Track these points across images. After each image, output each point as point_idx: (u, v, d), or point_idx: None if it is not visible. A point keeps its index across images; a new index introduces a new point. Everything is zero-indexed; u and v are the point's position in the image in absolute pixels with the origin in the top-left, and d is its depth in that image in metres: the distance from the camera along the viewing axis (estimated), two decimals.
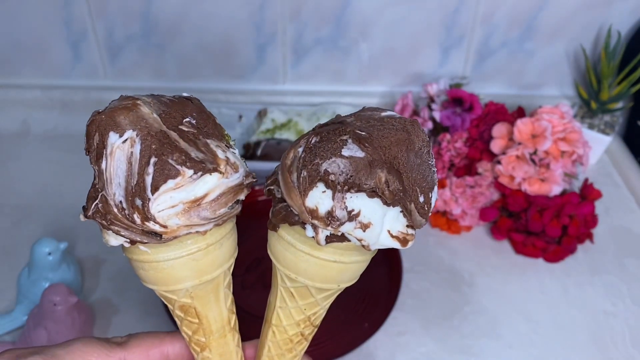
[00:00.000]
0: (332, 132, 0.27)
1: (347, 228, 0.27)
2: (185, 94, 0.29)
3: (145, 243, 0.27)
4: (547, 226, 0.69)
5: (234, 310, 0.33)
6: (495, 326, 0.64)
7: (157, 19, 0.87)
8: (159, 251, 0.28)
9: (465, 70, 0.91)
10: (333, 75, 0.93)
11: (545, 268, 0.71)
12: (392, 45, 0.89)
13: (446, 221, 0.75)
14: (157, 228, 0.26)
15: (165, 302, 0.32)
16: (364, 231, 0.27)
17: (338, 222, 0.26)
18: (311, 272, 0.29)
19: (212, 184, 0.26)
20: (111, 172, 0.26)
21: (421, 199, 0.28)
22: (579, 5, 0.85)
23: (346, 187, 0.26)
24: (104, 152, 0.26)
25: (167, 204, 0.26)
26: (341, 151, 0.26)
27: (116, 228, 0.26)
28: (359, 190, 0.26)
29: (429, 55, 0.90)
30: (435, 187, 0.29)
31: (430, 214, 0.29)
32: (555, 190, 0.69)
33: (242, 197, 0.29)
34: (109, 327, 0.63)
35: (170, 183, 0.25)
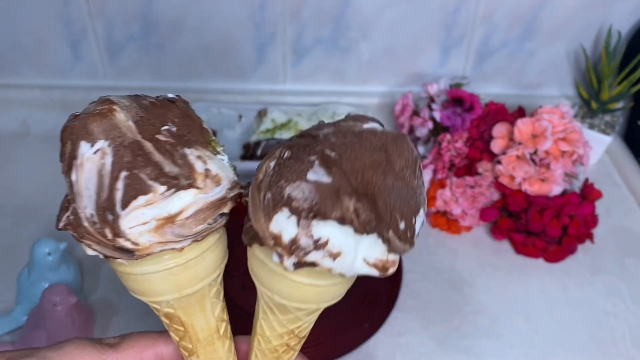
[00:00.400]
0: (302, 149, 0.25)
1: (314, 257, 0.24)
2: (170, 95, 0.28)
3: (118, 258, 0.26)
4: (547, 226, 0.69)
5: (225, 317, 0.32)
6: (496, 326, 0.64)
7: (157, 19, 0.87)
8: (135, 264, 0.27)
9: (465, 70, 0.91)
10: (333, 75, 0.93)
11: (545, 268, 0.71)
12: (392, 45, 0.89)
13: (446, 221, 0.75)
14: (128, 245, 0.25)
15: (151, 306, 0.31)
16: (334, 260, 0.25)
17: (302, 252, 0.24)
18: (286, 293, 0.27)
19: (187, 201, 0.25)
20: (81, 185, 0.24)
21: (401, 226, 0.25)
22: (579, 5, 0.84)
23: (311, 214, 0.24)
24: (74, 163, 0.24)
25: (138, 220, 0.24)
26: (306, 174, 0.24)
27: (88, 242, 0.25)
28: (324, 219, 0.24)
29: (429, 55, 0.90)
30: (421, 211, 0.26)
31: (416, 239, 0.26)
32: (556, 190, 0.69)
33: (226, 210, 0.27)
34: (109, 327, 0.63)
35: (141, 200, 0.24)
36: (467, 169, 0.74)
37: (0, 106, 0.92)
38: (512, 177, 0.70)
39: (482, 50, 0.89)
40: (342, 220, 0.24)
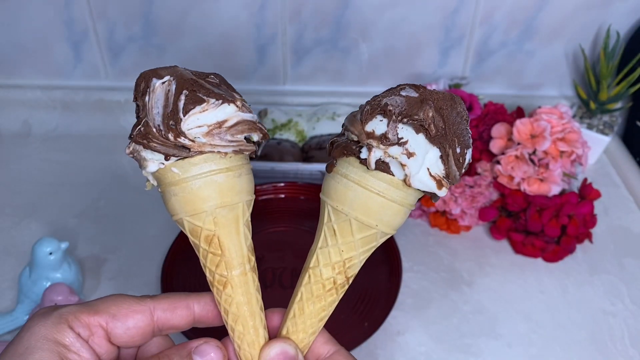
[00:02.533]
0: (393, 87, 0.33)
1: (395, 151, 0.32)
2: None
3: (177, 157, 0.33)
4: (546, 226, 0.69)
5: (253, 256, 0.37)
6: (495, 325, 0.64)
7: (158, 20, 0.87)
8: (186, 170, 0.33)
9: (464, 70, 0.92)
10: (333, 75, 0.93)
11: (544, 268, 0.71)
12: (391, 45, 0.89)
13: (445, 221, 0.75)
14: (186, 142, 0.32)
15: (192, 238, 0.35)
16: (408, 158, 0.31)
17: (389, 143, 0.31)
18: (356, 202, 0.33)
19: (230, 112, 0.33)
20: (152, 103, 0.32)
21: (458, 150, 0.32)
22: (578, 5, 0.85)
23: (399, 117, 0.31)
24: (148, 90, 0.33)
25: (194, 124, 0.32)
26: (400, 92, 0.32)
27: (154, 144, 0.32)
28: (409, 121, 0.31)
29: (428, 55, 0.90)
30: (470, 150, 0.33)
31: (464, 171, 0.33)
32: (555, 190, 0.70)
33: (255, 136, 0.35)
34: None
35: (198, 108, 0.32)
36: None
37: (2, 106, 0.93)
38: (511, 177, 0.71)
39: (481, 51, 0.89)
40: (421, 124, 0.31)
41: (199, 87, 0.32)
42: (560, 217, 0.69)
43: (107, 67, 0.93)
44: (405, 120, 0.31)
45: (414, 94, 0.32)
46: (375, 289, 0.66)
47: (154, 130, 0.32)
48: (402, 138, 0.31)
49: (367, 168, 0.32)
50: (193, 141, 0.32)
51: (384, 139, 0.32)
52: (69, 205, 0.78)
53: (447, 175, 0.32)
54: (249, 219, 0.36)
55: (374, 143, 0.32)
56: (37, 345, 0.30)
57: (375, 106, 0.32)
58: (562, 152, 0.71)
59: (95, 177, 0.82)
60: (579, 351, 0.62)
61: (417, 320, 0.64)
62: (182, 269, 0.67)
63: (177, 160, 0.33)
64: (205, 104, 0.32)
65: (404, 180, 0.32)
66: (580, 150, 0.71)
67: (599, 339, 0.63)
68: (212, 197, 0.34)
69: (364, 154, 0.33)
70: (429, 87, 0.33)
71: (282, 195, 0.78)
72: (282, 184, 0.78)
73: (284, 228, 0.74)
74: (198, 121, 0.32)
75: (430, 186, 0.32)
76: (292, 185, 0.78)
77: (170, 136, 0.32)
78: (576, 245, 0.72)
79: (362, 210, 0.33)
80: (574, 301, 0.67)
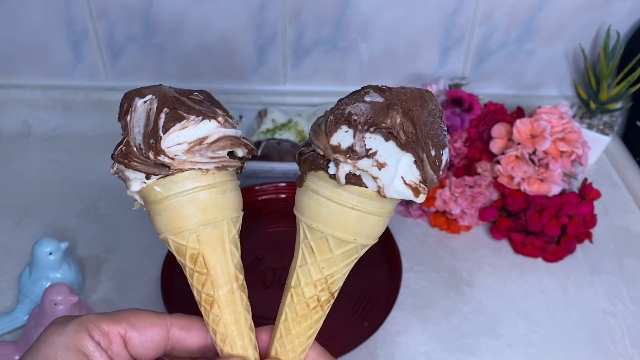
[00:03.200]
0: (357, 91, 0.31)
1: (364, 164, 0.30)
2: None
3: (158, 175, 0.33)
4: (546, 226, 0.69)
5: (242, 273, 0.36)
6: (495, 325, 0.64)
7: (158, 20, 0.87)
8: (169, 189, 0.33)
9: (464, 70, 0.92)
10: (333, 75, 0.93)
11: (544, 268, 0.71)
12: (391, 45, 0.89)
13: (445, 221, 0.75)
14: (166, 160, 0.32)
15: (178, 257, 0.35)
16: (380, 170, 0.30)
17: (357, 156, 0.30)
18: (330, 218, 0.32)
19: (211, 128, 0.32)
20: (134, 123, 0.32)
21: (432, 153, 0.30)
22: (578, 5, 0.85)
23: (366, 127, 0.29)
24: (130, 110, 0.33)
25: (174, 141, 0.32)
26: (364, 98, 0.30)
27: (134, 164, 0.32)
28: (377, 129, 0.29)
29: (428, 55, 0.90)
30: (447, 149, 0.31)
31: (441, 172, 0.31)
32: (555, 190, 0.70)
33: (239, 152, 0.34)
34: None
35: (178, 125, 0.32)
36: (467, 168, 0.75)
37: (2, 106, 0.93)
38: (511, 177, 0.71)
39: (481, 51, 0.89)
40: (390, 132, 0.29)
41: (180, 104, 0.32)
42: (560, 217, 0.69)
43: (107, 67, 0.93)
44: (372, 129, 0.29)
45: (378, 98, 0.30)
46: (375, 289, 0.66)
47: (135, 149, 0.32)
48: (370, 149, 0.30)
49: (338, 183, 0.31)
50: (173, 159, 0.32)
51: (351, 152, 0.30)
52: (69, 205, 0.78)
53: (424, 181, 0.31)
54: (236, 236, 0.35)
55: (341, 158, 0.30)
56: (57, 356, 0.30)
57: (339, 116, 0.30)
58: (562, 152, 0.71)
59: (95, 177, 0.82)
60: (579, 351, 0.62)
61: (417, 320, 0.64)
62: (182, 269, 0.67)
63: (159, 178, 0.33)
64: (185, 121, 0.32)
65: (378, 192, 0.31)
66: (580, 150, 0.71)
67: (599, 339, 0.63)
68: (195, 215, 0.33)
69: (332, 170, 0.31)
70: (395, 87, 0.32)
71: (282, 195, 0.78)
72: (282, 184, 0.78)
73: (284, 228, 0.74)
74: (178, 138, 0.32)
75: (407, 194, 0.31)
76: (292, 185, 0.78)
77: (151, 154, 0.32)
78: (576, 245, 0.72)
79: (337, 226, 0.32)
80: (574, 301, 0.67)
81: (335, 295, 0.35)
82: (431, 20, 0.86)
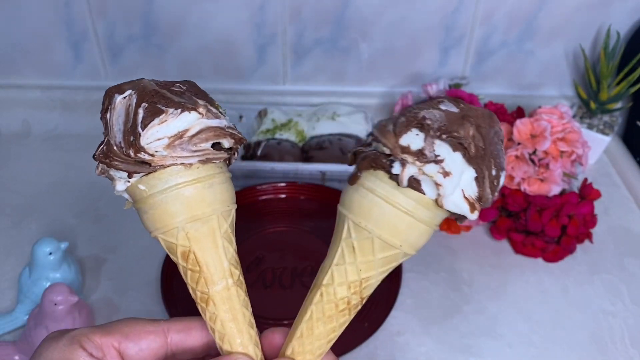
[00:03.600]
0: (431, 98, 0.31)
1: (431, 169, 0.29)
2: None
3: (140, 173, 0.32)
4: (546, 226, 0.69)
5: (238, 268, 0.35)
6: (495, 326, 0.64)
7: (158, 19, 0.87)
8: (153, 186, 0.32)
9: (464, 70, 0.92)
10: (333, 75, 0.93)
11: (544, 268, 0.71)
12: (391, 45, 0.89)
13: (446, 221, 0.75)
14: (146, 157, 0.31)
15: (171, 255, 0.34)
16: (444, 177, 0.29)
17: (425, 160, 0.29)
18: (382, 220, 0.31)
19: (191, 120, 0.31)
20: (113, 120, 0.32)
21: (493, 172, 0.30)
22: (578, 5, 0.85)
23: (438, 133, 0.29)
24: (110, 107, 0.32)
25: (154, 137, 0.31)
26: (439, 105, 0.30)
27: (116, 163, 0.32)
28: (449, 137, 0.29)
29: (428, 55, 0.90)
30: (504, 172, 0.31)
31: (496, 193, 0.31)
32: (555, 190, 0.70)
33: (225, 143, 0.33)
34: None
35: (156, 120, 0.30)
36: None
37: (1, 106, 0.93)
38: (511, 177, 0.71)
39: (481, 51, 0.89)
40: (460, 143, 0.29)
41: (159, 97, 0.31)
42: (561, 217, 0.69)
43: (107, 67, 0.93)
44: (444, 136, 0.29)
45: (454, 108, 0.30)
46: (375, 289, 0.66)
47: (115, 148, 0.31)
48: (438, 155, 0.29)
49: (398, 184, 0.30)
50: (153, 155, 0.31)
51: (420, 155, 0.29)
52: (69, 205, 0.78)
53: (480, 198, 0.30)
54: (229, 230, 0.34)
55: (409, 159, 0.30)
56: None
57: (412, 119, 0.30)
58: (562, 152, 0.71)
59: (95, 177, 0.82)
60: (579, 351, 0.62)
61: (417, 321, 0.64)
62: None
63: (142, 176, 0.32)
64: (163, 114, 0.31)
65: (436, 200, 0.30)
66: (580, 150, 0.71)
67: (599, 339, 0.63)
68: (181, 212, 0.32)
69: (396, 169, 0.30)
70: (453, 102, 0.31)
71: (282, 195, 0.78)
72: (282, 184, 0.78)
73: (284, 228, 0.74)
74: (157, 134, 0.31)
75: (463, 209, 0.30)
76: (292, 185, 0.78)
77: (131, 152, 0.31)
78: (576, 245, 0.72)
79: (387, 228, 0.31)
80: (574, 301, 0.67)
81: (364, 301, 0.34)
82: (431, 20, 0.86)
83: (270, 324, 0.60)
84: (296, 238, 0.72)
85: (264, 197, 0.78)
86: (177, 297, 0.64)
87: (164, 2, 0.85)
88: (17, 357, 0.59)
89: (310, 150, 0.83)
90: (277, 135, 0.85)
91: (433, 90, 0.80)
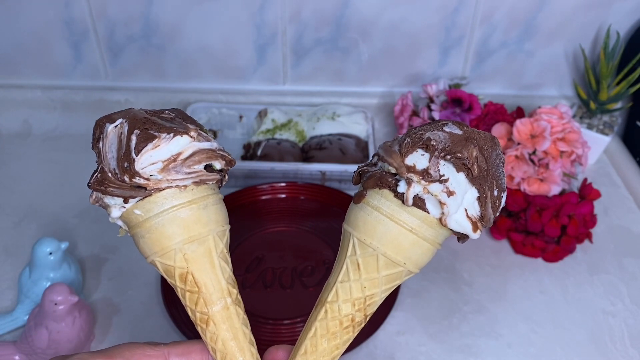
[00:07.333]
0: (435, 121, 0.32)
1: (436, 188, 0.31)
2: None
3: (135, 198, 0.32)
4: (546, 226, 0.69)
5: (235, 287, 0.35)
6: (495, 325, 0.64)
7: (158, 20, 0.87)
8: (148, 210, 0.33)
9: (464, 70, 0.92)
10: (333, 75, 0.93)
11: (544, 268, 0.71)
12: (391, 45, 0.89)
13: None
14: (141, 182, 0.32)
15: (168, 279, 0.34)
16: (448, 197, 0.30)
17: (430, 179, 0.30)
18: (387, 237, 0.32)
19: (184, 144, 0.32)
20: (106, 148, 0.32)
21: (495, 193, 0.31)
22: (578, 5, 0.85)
23: (442, 154, 0.31)
24: (102, 136, 0.33)
25: (148, 161, 0.31)
26: (443, 127, 0.32)
27: (111, 189, 0.32)
28: (453, 158, 0.30)
29: (428, 55, 0.90)
30: (505, 194, 0.32)
31: (497, 214, 0.32)
32: (555, 190, 0.70)
33: (217, 164, 0.34)
34: (110, 326, 0.63)
35: (150, 145, 0.31)
36: None
37: (2, 106, 0.93)
38: (511, 177, 0.71)
39: (481, 51, 0.89)
40: (464, 163, 0.30)
41: (151, 124, 0.32)
42: (560, 217, 0.69)
43: (107, 67, 0.93)
44: (448, 157, 0.31)
45: (457, 131, 0.31)
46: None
47: (110, 174, 0.32)
48: (443, 175, 0.30)
49: (403, 203, 0.31)
50: (148, 179, 0.32)
51: (425, 174, 0.30)
52: (69, 205, 0.78)
53: (482, 218, 0.31)
54: (225, 250, 0.35)
55: (415, 178, 0.31)
56: None
57: (417, 139, 0.31)
58: (562, 152, 0.71)
59: None
60: (579, 351, 0.62)
61: (417, 320, 0.64)
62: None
63: (138, 201, 0.32)
64: (156, 139, 0.31)
65: (440, 219, 0.31)
66: (580, 150, 0.71)
67: (599, 339, 0.63)
68: (178, 233, 0.33)
69: (401, 188, 0.31)
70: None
71: (282, 195, 0.78)
72: (282, 184, 0.78)
73: (284, 228, 0.74)
74: (151, 158, 0.31)
75: (466, 228, 0.31)
76: (292, 185, 0.78)
77: (126, 178, 0.31)
78: (576, 245, 0.72)
79: (392, 246, 0.32)
80: (574, 301, 0.67)
81: (367, 319, 0.34)
82: (431, 20, 0.86)
83: (270, 323, 0.60)
84: (296, 238, 0.72)
85: (264, 197, 0.78)
86: (177, 297, 0.64)
87: (164, 2, 0.85)
88: (17, 357, 0.59)
89: (310, 150, 0.83)
90: (277, 135, 0.85)
91: (433, 90, 0.80)
